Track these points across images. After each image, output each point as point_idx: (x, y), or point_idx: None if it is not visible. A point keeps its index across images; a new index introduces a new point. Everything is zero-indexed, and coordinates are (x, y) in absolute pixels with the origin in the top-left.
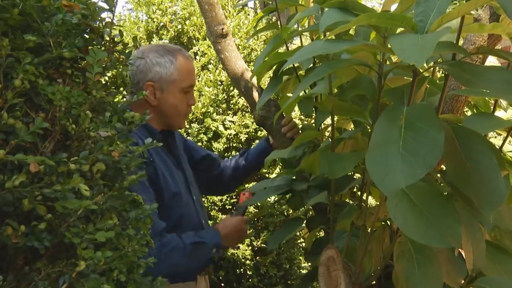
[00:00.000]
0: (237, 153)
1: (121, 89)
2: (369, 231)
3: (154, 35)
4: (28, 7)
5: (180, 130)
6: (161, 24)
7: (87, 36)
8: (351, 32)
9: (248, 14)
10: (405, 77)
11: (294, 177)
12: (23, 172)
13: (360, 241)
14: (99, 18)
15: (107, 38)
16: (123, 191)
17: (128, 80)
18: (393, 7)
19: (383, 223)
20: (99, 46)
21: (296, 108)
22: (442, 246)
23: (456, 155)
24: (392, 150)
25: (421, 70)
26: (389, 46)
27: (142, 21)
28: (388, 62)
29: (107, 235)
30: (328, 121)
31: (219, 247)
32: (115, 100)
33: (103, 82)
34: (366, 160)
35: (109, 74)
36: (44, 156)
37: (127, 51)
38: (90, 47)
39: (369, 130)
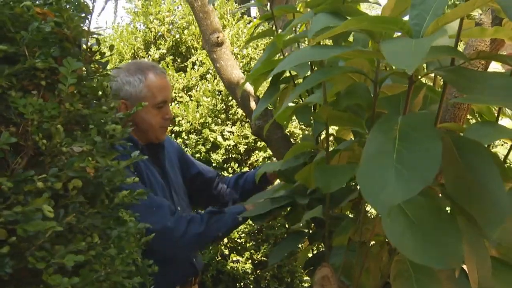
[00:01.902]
0: (236, 164)
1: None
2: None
3: (152, 45)
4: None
5: (178, 141)
6: (159, 33)
7: (64, 45)
8: (350, 39)
9: (248, 23)
10: (404, 85)
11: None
12: None
13: (356, 258)
14: (73, 26)
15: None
16: (108, 209)
17: (109, 91)
18: None
19: (381, 239)
20: (75, 56)
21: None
22: (442, 267)
23: (455, 167)
24: (386, 163)
25: (418, 77)
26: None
27: (140, 31)
28: (388, 69)
29: (76, 259)
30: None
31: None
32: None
33: (82, 94)
34: (357, 175)
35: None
36: (16, 172)
37: (104, 60)
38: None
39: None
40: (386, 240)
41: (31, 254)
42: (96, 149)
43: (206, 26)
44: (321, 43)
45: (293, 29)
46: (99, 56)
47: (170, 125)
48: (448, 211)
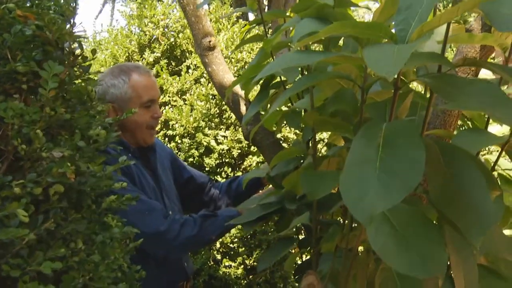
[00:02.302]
0: (230, 169)
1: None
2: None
3: (147, 48)
4: None
5: (171, 145)
6: (154, 37)
7: (47, 49)
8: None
9: (243, 27)
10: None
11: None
12: None
13: (343, 265)
14: (56, 29)
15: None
16: (95, 214)
17: (94, 95)
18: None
19: (368, 246)
20: (57, 60)
21: None
22: (424, 275)
23: (440, 175)
24: (368, 171)
25: (404, 83)
26: None
27: (134, 34)
28: (374, 75)
29: (53, 266)
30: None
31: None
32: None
33: (66, 98)
34: (340, 182)
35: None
36: None
37: (87, 64)
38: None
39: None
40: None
41: (5, 261)
42: (80, 154)
43: (198, 30)
44: (313, 49)
45: (285, 34)
46: (81, 60)
47: (164, 129)
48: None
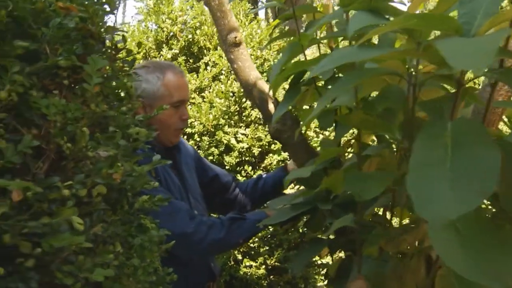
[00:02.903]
0: (250, 167)
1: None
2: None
3: (164, 45)
4: (20, 9)
5: (190, 143)
6: (171, 33)
7: (88, 42)
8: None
9: (261, 23)
10: (438, 89)
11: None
12: (6, 201)
13: (391, 270)
14: (100, 22)
15: (109, 45)
16: (128, 215)
17: (133, 92)
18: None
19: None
20: (99, 54)
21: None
22: (498, 286)
23: (508, 176)
24: (438, 173)
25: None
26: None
27: (151, 30)
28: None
29: (105, 273)
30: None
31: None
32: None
33: (105, 94)
34: (407, 185)
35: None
36: (37, 178)
37: (130, 58)
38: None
39: (398, 147)
40: (424, 252)
41: (57, 268)
42: (120, 154)
43: (223, 25)
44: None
45: (316, 29)
46: (125, 54)
47: None
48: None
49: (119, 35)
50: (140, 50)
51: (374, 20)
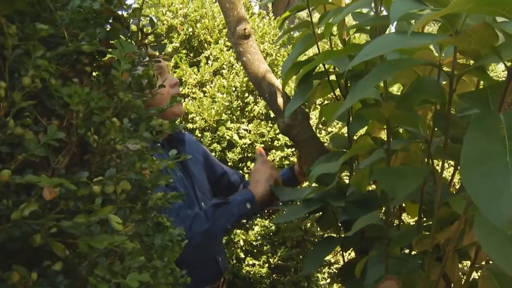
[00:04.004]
0: (252, 164)
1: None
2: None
3: (165, 39)
4: None
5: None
6: (172, 26)
7: (109, 27)
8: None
9: (264, 17)
10: (471, 81)
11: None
12: (34, 198)
13: (427, 269)
14: (125, 5)
15: (135, 29)
16: (146, 213)
17: (155, 81)
18: None
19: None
20: (126, 39)
21: (312, 116)
22: None
23: None
24: (497, 167)
25: None
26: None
27: None
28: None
29: (141, 278)
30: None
31: (253, 202)
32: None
33: (128, 82)
34: (463, 180)
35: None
36: (58, 173)
37: (162, 43)
38: (114, 40)
39: (423, 143)
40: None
41: (87, 272)
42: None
43: (232, 17)
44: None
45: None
46: (154, 39)
47: (183, 122)
48: None
49: (145, 19)
50: (173, 34)
51: (416, 6)
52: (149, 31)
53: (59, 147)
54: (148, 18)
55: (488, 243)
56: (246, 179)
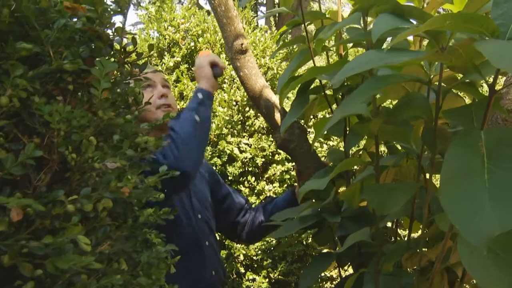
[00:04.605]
0: (253, 178)
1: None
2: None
3: (166, 53)
4: (24, 9)
5: None
6: (173, 41)
7: (93, 45)
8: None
9: (265, 31)
10: (460, 96)
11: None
12: (4, 218)
13: (414, 286)
14: (109, 23)
15: (118, 47)
16: (133, 229)
17: (141, 98)
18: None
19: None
20: (107, 57)
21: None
22: None
23: None
24: (475, 185)
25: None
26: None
27: (153, 38)
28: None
29: None
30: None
31: (201, 90)
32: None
33: (112, 100)
34: (441, 197)
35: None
36: (39, 191)
37: (142, 62)
38: (97, 59)
39: (415, 158)
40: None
41: None
42: (129, 164)
43: (229, 32)
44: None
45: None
46: (135, 57)
47: None
48: None
49: (128, 37)
50: (151, 53)
51: (399, 23)
52: (132, 49)
53: (41, 164)
54: (131, 37)
55: (470, 262)
56: (252, 202)
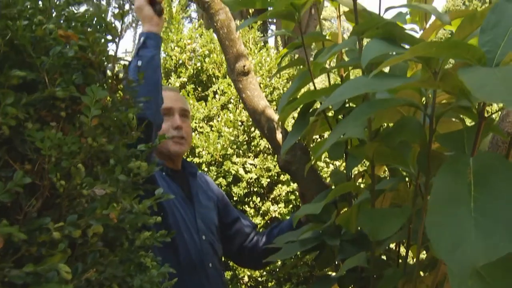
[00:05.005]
0: (258, 198)
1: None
2: None
3: (172, 73)
4: (20, 38)
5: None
6: (180, 61)
7: (88, 72)
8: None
9: (270, 51)
10: (455, 120)
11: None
12: None
13: None
14: (100, 51)
15: (110, 74)
16: (128, 253)
17: (135, 124)
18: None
19: None
20: (100, 84)
21: None
22: None
23: None
24: (461, 213)
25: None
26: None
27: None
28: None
29: None
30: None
31: (143, 34)
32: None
33: (105, 126)
34: (427, 225)
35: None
36: (29, 216)
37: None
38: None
39: (413, 181)
40: None
41: None
42: (119, 190)
43: (231, 54)
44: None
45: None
46: (126, 84)
47: (190, 156)
48: None
49: (121, 64)
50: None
51: (389, 48)
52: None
53: (33, 190)
54: (123, 65)
55: None
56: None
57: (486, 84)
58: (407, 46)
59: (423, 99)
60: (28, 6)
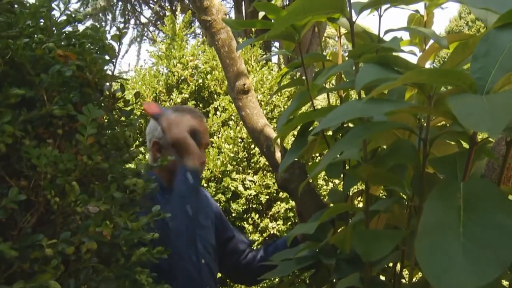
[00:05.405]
0: (257, 215)
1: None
2: None
3: (174, 89)
4: (20, 57)
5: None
6: (182, 77)
7: (85, 91)
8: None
9: (272, 69)
10: (452, 143)
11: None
12: None
13: None
14: (97, 70)
15: (107, 93)
16: (124, 269)
17: (131, 141)
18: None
19: None
20: (96, 103)
21: None
22: None
23: None
24: (450, 238)
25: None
26: (438, 107)
27: (162, 74)
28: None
29: None
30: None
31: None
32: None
33: (102, 143)
34: (416, 250)
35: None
36: (24, 232)
37: (129, 108)
38: (84, 105)
39: (409, 203)
40: None
41: None
42: (114, 206)
43: (232, 72)
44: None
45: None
46: (123, 104)
47: None
48: None
49: (120, 82)
50: (137, 100)
51: (383, 73)
52: (120, 96)
53: (30, 205)
54: (120, 84)
55: None
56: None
57: (472, 113)
58: (401, 71)
59: (420, 121)
60: (30, 24)
